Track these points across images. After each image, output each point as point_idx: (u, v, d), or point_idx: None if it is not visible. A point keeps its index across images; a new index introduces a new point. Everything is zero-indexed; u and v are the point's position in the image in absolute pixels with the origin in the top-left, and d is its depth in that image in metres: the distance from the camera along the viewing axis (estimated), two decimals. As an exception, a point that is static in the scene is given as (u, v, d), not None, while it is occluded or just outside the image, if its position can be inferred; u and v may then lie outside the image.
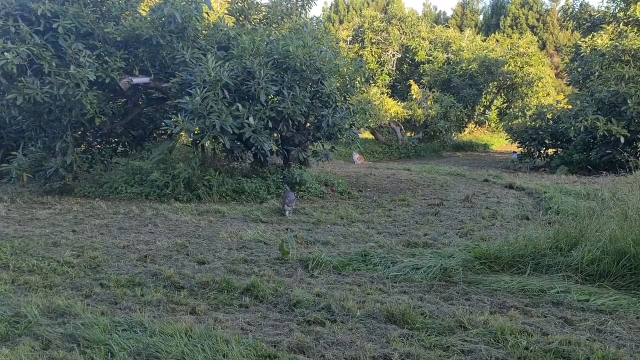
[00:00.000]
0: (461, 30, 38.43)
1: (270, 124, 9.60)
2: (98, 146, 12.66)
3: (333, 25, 41.13)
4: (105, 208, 8.74)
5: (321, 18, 47.27)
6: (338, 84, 10.21)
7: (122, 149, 13.79)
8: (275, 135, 10.79)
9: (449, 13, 47.33)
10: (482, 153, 23.21)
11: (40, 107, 10.09)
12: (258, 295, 4.65)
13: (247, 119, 9.20)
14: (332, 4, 51.34)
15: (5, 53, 9.15)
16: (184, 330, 3.71)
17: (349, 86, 10.46)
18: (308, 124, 10.57)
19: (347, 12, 45.87)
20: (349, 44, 27.29)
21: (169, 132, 10.52)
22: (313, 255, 5.72)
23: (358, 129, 10.57)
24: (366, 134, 22.37)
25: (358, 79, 10.75)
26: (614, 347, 3.53)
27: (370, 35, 26.22)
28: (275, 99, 9.65)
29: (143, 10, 11.71)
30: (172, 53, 10.45)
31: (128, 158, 12.71)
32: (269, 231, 7.23)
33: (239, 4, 11.44)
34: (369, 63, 26.40)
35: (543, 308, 4.35)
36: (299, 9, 11.65)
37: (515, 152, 17.60)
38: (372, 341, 3.74)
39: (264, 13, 11.72)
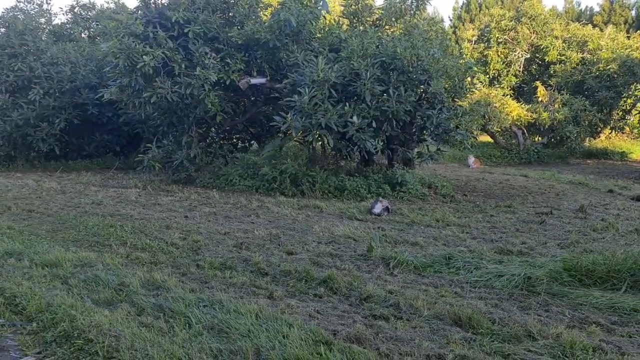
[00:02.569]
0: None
1: (374, 124, 9.74)
2: (221, 142, 13.75)
3: (464, 25, 39.94)
4: (218, 198, 9.51)
5: (450, 17, 46.13)
6: (446, 85, 10.06)
7: (243, 144, 14.82)
8: (382, 135, 10.92)
9: (597, 9, 43.51)
10: (618, 162, 21.12)
11: (171, 105, 11.24)
12: (333, 287, 4.86)
13: (351, 117, 9.44)
14: (463, 3, 49.77)
15: (144, 56, 10.32)
16: (254, 311, 4.03)
17: (457, 87, 10.25)
18: (413, 125, 10.53)
19: (479, 10, 44.19)
20: (474, 43, 26.41)
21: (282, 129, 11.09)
22: (396, 254, 5.79)
23: (466, 130, 10.25)
24: (485, 137, 21.52)
25: (468, 79, 10.47)
26: (698, 376, 3.21)
27: (497, 35, 25.10)
28: (382, 98, 9.76)
29: (265, 15, 12.48)
30: (288, 55, 11.04)
31: (246, 153, 13.63)
32: (361, 229, 7.39)
33: (353, 7, 11.73)
34: (494, 63, 25.37)
35: (630, 327, 4.03)
36: (413, 10, 11.62)
37: (656, 162, 15.85)
38: (432, 340, 3.76)
39: (377, 15, 11.89)
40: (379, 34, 10.63)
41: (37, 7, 19.04)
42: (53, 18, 19.85)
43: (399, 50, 9.54)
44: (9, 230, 6.64)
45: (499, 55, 25.27)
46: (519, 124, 20.04)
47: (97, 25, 19.65)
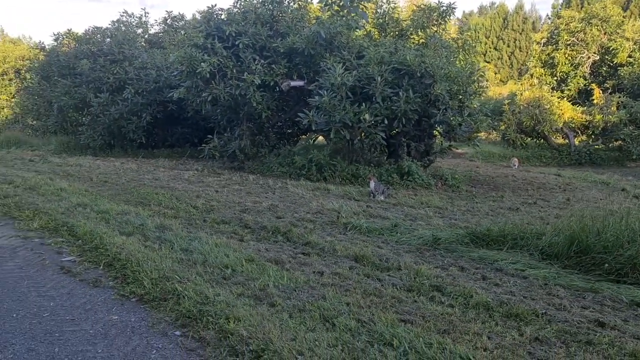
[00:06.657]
0: None
1: (385, 121, 11.28)
2: (273, 135, 15.86)
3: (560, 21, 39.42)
4: (252, 180, 11.55)
5: (549, 14, 45.13)
6: (452, 89, 11.32)
7: (293, 138, 16.85)
8: (401, 132, 12.38)
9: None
10: (685, 167, 20.61)
11: (226, 103, 13.49)
12: (289, 237, 6.61)
13: (364, 116, 11.06)
14: (563, 0, 48.44)
15: (202, 63, 12.64)
16: (215, 242, 5.92)
17: (461, 91, 11.47)
18: (425, 123, 11.90)
19: (581, 7, 42.96)
20: (542, 45, 26.57)
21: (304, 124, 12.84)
22: (354, 221, 7.42)
23: (474, 130, 11.48)
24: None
25: (475, 85, 11.65)
26: (485, 292, 4.61)
27: (565, 37, 25.16)
28: (393, 99, 11.26)
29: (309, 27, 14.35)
30: (322, 61, 12.84)
31: (292, 145, 15.63)
32: (350, 205, 9.02)
33: (380, 19, 13.30)
34: (561, 65, 25.43)
35: (482, 270, 5.41)
36: (438, 22, 12.93)
37: None
38: (327, 266, 5.42)
39: (403, 26, 13.36)
40: (396, 44, 12.09)
41: (137, 19, 22.42)
42: (149, 28, 23.18)
43: (408, 58, 11.00)
44: (85, 192, 9.11)
45: (566, 58, 25.31)
46: (572, 125, 20.29)
47: (184, 34, 22.64)
